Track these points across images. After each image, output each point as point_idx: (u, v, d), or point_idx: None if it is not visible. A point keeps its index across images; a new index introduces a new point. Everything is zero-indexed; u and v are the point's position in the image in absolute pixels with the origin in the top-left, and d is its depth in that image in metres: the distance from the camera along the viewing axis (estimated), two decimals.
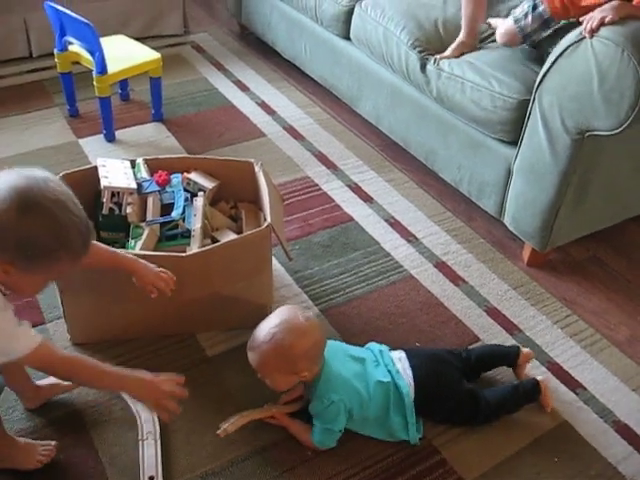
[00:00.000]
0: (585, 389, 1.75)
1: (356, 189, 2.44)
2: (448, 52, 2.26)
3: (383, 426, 1.57)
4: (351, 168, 2.55)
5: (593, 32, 1.73)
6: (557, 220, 2.02)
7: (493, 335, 1.89)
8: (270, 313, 1.54)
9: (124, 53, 2.62)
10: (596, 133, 1.81)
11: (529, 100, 1.97)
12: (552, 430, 1.64)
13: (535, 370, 1.78)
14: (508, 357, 1.75)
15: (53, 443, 1.49)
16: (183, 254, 1.63)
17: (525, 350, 1.75)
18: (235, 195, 1.96)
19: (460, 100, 2.18)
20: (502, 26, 2.20)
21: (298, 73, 3.13)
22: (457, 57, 2.23)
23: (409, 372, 1.60)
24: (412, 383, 1.58)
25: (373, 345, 1.69)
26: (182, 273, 1.63)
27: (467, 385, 1.64)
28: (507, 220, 2.17)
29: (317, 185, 2.44)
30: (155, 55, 2.63)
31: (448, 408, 1.61)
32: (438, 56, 2.26)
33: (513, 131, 2.06)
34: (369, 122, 2.72)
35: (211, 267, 1.65)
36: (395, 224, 2.28)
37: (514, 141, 2.07)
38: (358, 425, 1.57)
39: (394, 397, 1.56)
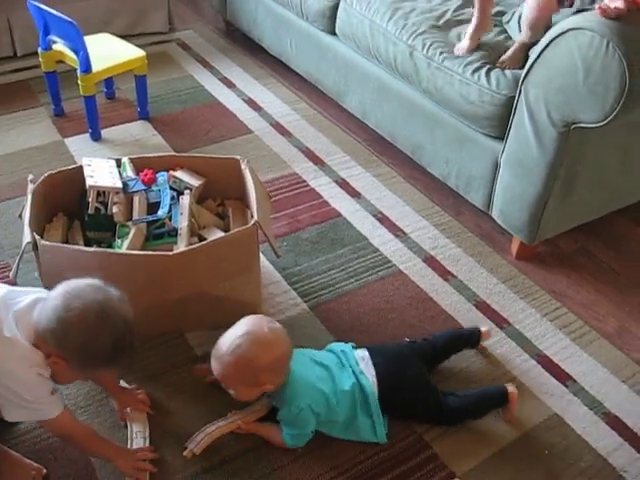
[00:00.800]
0: (575, 381, 1.75)
1: (343, 184, 2.43)
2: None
3: (350, 427, 1.56)
4: (338, 164, 2.54)
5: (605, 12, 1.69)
6: (545, 213, 2.02)
7: None
8: (258, 311, 1.53)
9: (108, 51, 2.60)
10: (582, 125, 1.81)
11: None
12: (542, 423, 1.64)
13: (525, 364, 1.78)
14: (471, 338, 1.79)
15: (44, 471, 1.47)
16: (170, 253, 1.61)
17: (484, 329, 1.80)
18: (222, 192, 1.95)
19: (448, 93, 2.18)
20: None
21: (284, 69, 3.12)
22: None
23: (372, 370, 1.60)
24: (375, 381, 1.58)
25: (336, 345, 1.70)
26: (169, 272, 1.63)
27: (432, 383, 1.63)
28: (495, 213, 2.17)
29: (305, 181, 2.44)
30: (140, 53, 2.61)
31: (413, 406, 1.61)
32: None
33: (500, 126, 2.06)
34: (356, 117, 2.71)
35: (198, 265, 1.64)
36: (383, 219, 2.28)
37: (501, 136, 2.07)
38: (326, 427, 1.56)
39: (360, 397, 1.56)
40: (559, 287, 2.07)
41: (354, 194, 2.39)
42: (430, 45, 2.24)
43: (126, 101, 2.87)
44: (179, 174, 1.84)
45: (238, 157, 1.90)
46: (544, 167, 1.93)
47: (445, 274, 2.07)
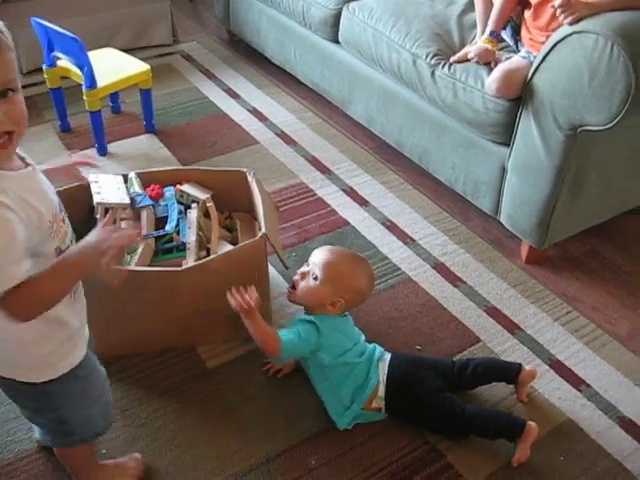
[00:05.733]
0: (588, 386, 1.74)
1: (351, 193, 2.43)
2: (469, 50, 2.15)
3: (330, 389, 1.60)
4: (345, 172, 2.54)
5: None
6: (554, 216, 2.01)
7: (494, 335, 1.88)
8: (269, 323, 1.55)
9: (113, 66, 2.61)
10: (589, 128, 1.80)
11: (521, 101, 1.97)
12: (556, 428, 1.63)
13: (537, 369, 1.75)
14: (508, 372, 1.69)
15: (139, 456, 1.51)
16: (179, 268, 1.62)
17: (528, 368, 1.70)
18: (229, 205, 1.95)
19: (452, 100, 2.18)
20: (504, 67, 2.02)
21: (289, 78, 3.12)
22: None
23: (385, 370, 1.61)
24: (383, 380, 1.60)
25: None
26: (179, 287, 1.63)
27: (447, 396, 1.60)
28: (503, 218, 2.16)
29: (312, 190, 2.44)
30: (144, 67, 2.62)
31: (420, 413, 1.60)
32: (459, 57, 2.17)
33: (505, 132, 2.05)
34: (362, 125, 2.71)
35: (207, 279, 1.64)
36: (391, 227, 2.28)
37: (507, 141, 2.07)
38: (314, 364, 1.60)
39: (360, 380, 1.59)
40: (570, 291, 2.06)
41: (362, 202, 2.39)
42: (433, 53, 2.23)
43: (132, 115, 2.88)
44: (186, 188, 1.84)
45: (244, 169, 1.90)
46: (551, 171, 1.93)
47: (455, 280, 2.07)
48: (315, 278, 1.58)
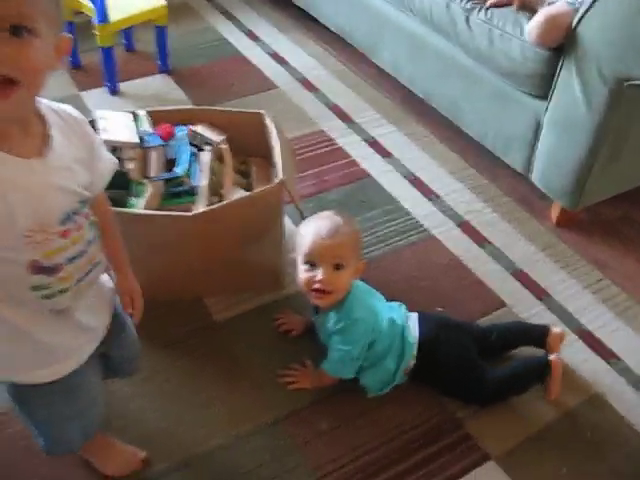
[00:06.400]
0: (619, 359, 1.64)
1: (374, 144, 2.30)
2: None
3: (375, 366, 1.49)
4: (368, 122, 2.41)
5: None
6: (589, 178, 1.88)
7: (519, 300, 1.77)
8: (281, 278, 1.44)
9: (126, 1, 2.47)
10: (637, 82, 1.66)
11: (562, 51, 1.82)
12: (584, 403, 1.53)
13: (566, 338, 1.65)
14: (536, 334, 1.60)
15: (143, 454, 1.38)
16: (189, 213, 1.51)
17: (555, 330, 1.60)
18: (245, 150, 1.82)
19: (487, 49, 2.03)
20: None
21: (313, 23, 2.96)
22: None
23: (416, 333, 1.51)
24: (415, 342, 1.50)
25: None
26: (188, 233, 1.52)
27: (477, 359, 1.52)
28: (535, 177, 2.03)
29: (332, 140, 2.31)
30: (160, 2, 2.48)
31: (450, 378, 1.50)
32: (496, 1, 2.02)
33: (544, 84, 1.90)
34: (388, 74, 2.56)
35: (218, 227, 1.53)
36: (415, 181, 2.15)
37: (544, 95, 1.92)
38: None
39: (398, 343, 1.49)
40: (601, 257, 1.94)
41: (385, 154, 2.25)
42: None
43: (146, 54, 2.74)
44: (199, 129, 1.72)
45: (262, 111, 1.78)
46: (592, 129, 1.79)
47: (481, 240, 1.95)
48: (339, 267, 1.39)
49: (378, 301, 1.54)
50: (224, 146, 1.71)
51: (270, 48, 2.83)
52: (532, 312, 1.74)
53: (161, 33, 2.53)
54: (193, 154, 1.65)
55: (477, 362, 1.50)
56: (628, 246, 1.99)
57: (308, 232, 1.42)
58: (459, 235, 1.96)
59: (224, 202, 1.55)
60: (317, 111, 2.45)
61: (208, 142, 1.70)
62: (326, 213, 1.47)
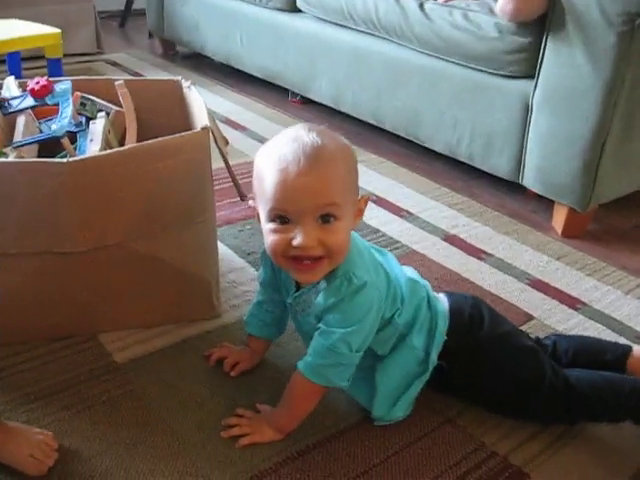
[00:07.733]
0: None
1: None
2: None
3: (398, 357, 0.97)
4: None
5: None
6: (602, 162, 1.48)
7: (550, 311, 1.30)
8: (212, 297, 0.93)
9: (15, 28, 2.04)
10: None
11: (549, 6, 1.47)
12: None
13: None
14: (610, 354, 1.08)
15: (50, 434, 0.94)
16: (63, 160, 0.97)
17: (637, 347, 1.10)
18: (155, 129, 1.32)
19: (450, 34, 1.69)
20: None
21: (235, 75, 2.61)
22: None
23: (445, 302, 1.02)
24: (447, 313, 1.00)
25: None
26: (65, 195, 0.98)
27: (536, 347, 1.02)
28: (528, 178, 1.62)
29: None
30: (54, 30, 2.05)
31: (507, 378, 0.97)
32: None
33: (530, 58, 1.55)
34: (327, 107, 2.19)
35: (112, 187, 1.00)
36: (378, 201, 1.71)
37: (530, 72, 1.57)
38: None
39: (425, 312, 0.98)
40: (630, 263, 1.51)
41: None
42: None
43: None
44: (90, 96, 1.23)
45: (178, 77, 1.32)
46: (599, 89, 1.42)
47: (477, 252, 1.49)
48: (328, 218, 0.85)
49: (383, 256, 1.03)
50: (123, 90, 1.20)
51: None
52: (570, 323, 1.26)
53: (55, 66, 2.07)
54: (81, 124, 1.16)
55: (536, 348, 0.99)
56: None
57: (270, 166, 0.85)
58: (449, 248, 1.51)
59: (121, 148, 1.04)
60: (247, 144, 2.01)
61: (102, 109, 1.21)
62: (294, 129, 0.89)
